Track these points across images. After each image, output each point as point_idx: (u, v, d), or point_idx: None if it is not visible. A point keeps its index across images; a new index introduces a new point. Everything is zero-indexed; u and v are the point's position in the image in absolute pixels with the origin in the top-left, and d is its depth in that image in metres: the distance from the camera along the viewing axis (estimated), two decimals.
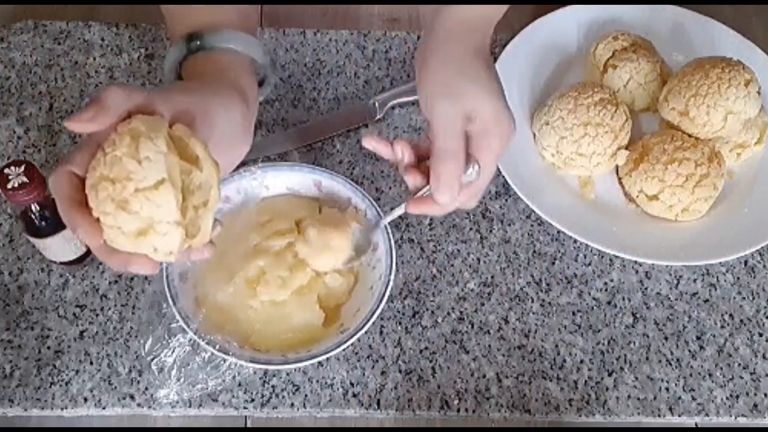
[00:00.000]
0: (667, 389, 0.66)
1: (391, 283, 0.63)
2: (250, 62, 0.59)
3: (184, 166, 0.46)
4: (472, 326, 0.68)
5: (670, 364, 0.67)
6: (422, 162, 0.58)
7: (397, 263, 0.65)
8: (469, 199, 0.58)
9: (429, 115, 0.56)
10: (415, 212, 0.58)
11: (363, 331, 0.61)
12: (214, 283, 0.64)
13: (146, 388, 0.63)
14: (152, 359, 0.63)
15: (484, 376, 0.66)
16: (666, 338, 0.69)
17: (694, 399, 0.66)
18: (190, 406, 0.63)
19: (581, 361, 0.67)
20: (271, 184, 0.69)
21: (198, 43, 0.57)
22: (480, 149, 0.55)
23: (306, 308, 0.63)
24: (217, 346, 0.59)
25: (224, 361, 0.62)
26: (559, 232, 0.72)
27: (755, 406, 0.66)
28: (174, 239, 0.45)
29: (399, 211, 0.61)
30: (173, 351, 0.63)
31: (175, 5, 0.61)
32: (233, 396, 0.63)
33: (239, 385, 0.63)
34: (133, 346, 0.65)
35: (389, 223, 0.64)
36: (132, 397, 0.63)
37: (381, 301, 0.62)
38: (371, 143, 0.57)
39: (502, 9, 0.61)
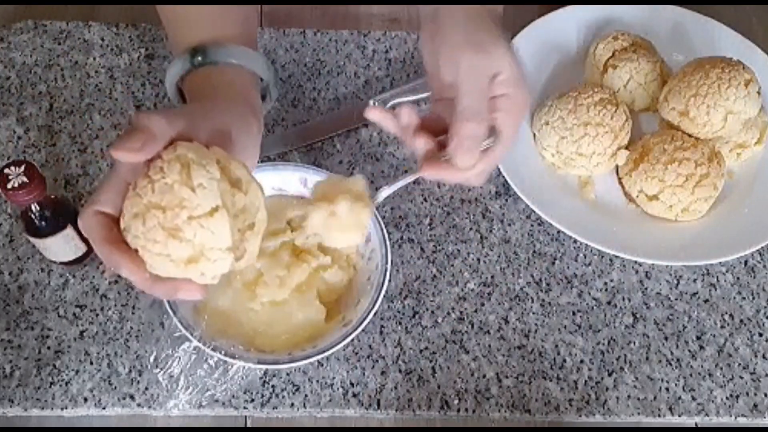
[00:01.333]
0: (667, 389, 0.66)
1: (388, 272, 0.63)
2: (254, 76, 0.59)
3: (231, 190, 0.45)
4: (472, 326, 0.68)
5: (670, 364, 0.67)
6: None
7: (396, 263, 0.65)
8: (483, 169, 0.54)
9: (451, 72, 0.52)
10: (430, 175, 0.54)
11: (366, 321, 0.61)
12: (212, 289, 0.63)
13: (146, 388, 0.63)
14: (159, 371, 0.63)
15: (484, 376, 0.66)
16: (666, 338, 0.69)
17: (694, 399, 0.66)
18: (190, 407, 0.63)
19: (581, 361, 0.67)
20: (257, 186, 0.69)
21: (201, 58, 0.56)
22: (501, 112, 0.52)
23: (307, 305, 0.64)
24: (223, 352, 0.59)
25: (231, 365, 0.62)
26: (559, 232, 0.72)
27: (755, 406, 0.66)
28: (224, 265, 0.45)
29: (407, 180, 0.57)
30: (179, 360, 0.63)
31: (177, 19, 0.60)
32: (233, 396, 0.63)
33: (239, 385, 0.63)
34: (133, 346, 0.65)
35: (384, 217, 0.64)
36: (132, 397, 0.63)
37: (380, 292, 0.62)
38: (375, 114, 0.55)
39: None
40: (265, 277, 0.63)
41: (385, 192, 0.58)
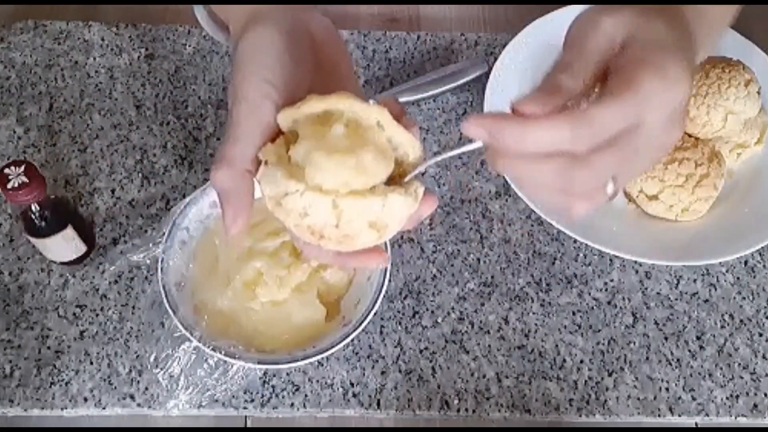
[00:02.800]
0: (667, 389, 0.66)
1: (388, 272, 0.63)
2: None
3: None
4: (472, 326, 0.68)
5: (670, 364, 0.67)
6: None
7: (396, 263, 0.65)
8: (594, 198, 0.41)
9: (571, 32, 0.43)
10: (474, 131, 0.39)
11: (366, 321, 0.61)
12: (212, 289, 0.64)
13: (146, 388, 0.63)
14: (159, 371, 0.63)
15: (484, 376, 0.66)
16: (666, 338, 0.69)
17: (694, 399, 0.66)
18: (190, 407, 0.63)
19: (581, 361, 0.67)
20: (257, 187, 0.69)
21: None
22: (619, 75, 0.39)
23: (307, 305, 0.64)
24: (223, 352, 0.59)
25: (232, 365, 0.62)
26: (559, 232, 0.72)
27: (755, 406, 0.66)
28: (399, 202, 0.41)
29: (468, 145, 0.43)
30: (179, 361, 0.62)
31: None
32: (233, 396, 0.63)
33: (239, 385, 0.63)
34: (133, 346, 0.65)
35: None
36: (132, 397, 0.63)
37: (381, 291, 0.62)
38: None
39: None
40: (265, 277, 0.63)
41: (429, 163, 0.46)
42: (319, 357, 0.60)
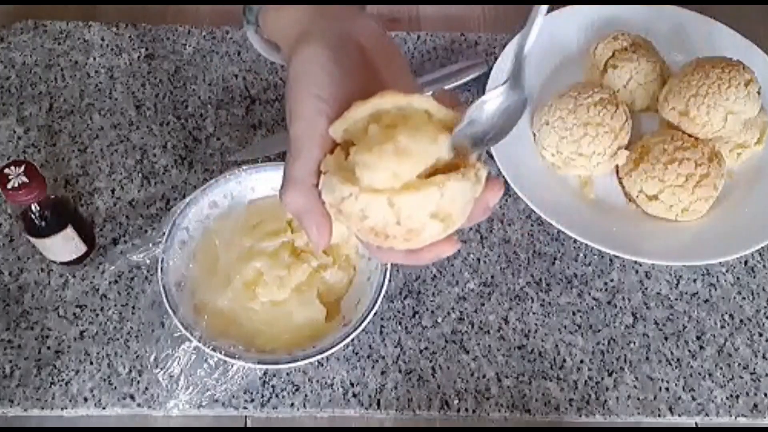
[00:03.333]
0: (667, 389, 0.66)
1: (388, 272, 0.63)
2: None
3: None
4: (472, 326, 0.68)
5: (670, 364, 0.67)
6: None
7: (386, 284, 0.64)
8: None
9: None
10: None
11: (367, 321, 0.61)
12: (213, 289, 0.64)
13: (146, 388, 0.63)
14: (159, 371, 0.63)
15: (484, 376, 0.66)
16: (666, 338, 0.69)
17: (694, 399, 0.66)
18: (190, 407, 0.63)
19: (581, 361, 0.67)
20: (256, 186, 0.69)
21: (249, 13, 0.55)
22: None
23: (307, 305, 0.64)
24: (223, 352, 0.59)
25: (232, 365, 0.62)
26: (559, 232, 0.72)
27: (755, 406, 0.66)
28: (462, 186, 0.41)
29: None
30: (179, 361, 0.62)
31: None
32: (233, 396, 0.63)
33: (239, 385, 0.63)
34: (133, 346, 0.65)
35: None
36: (132, 397, 0.63)
37: (381, 291, 0.62)
38: None
39: None
40: (265, 277, 0.63)
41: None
42: (319, 357, 0.60)
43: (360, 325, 0.61)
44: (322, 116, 0.43)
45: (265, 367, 0.60)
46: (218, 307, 0.63)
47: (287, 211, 0.46)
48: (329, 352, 0.60)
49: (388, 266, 0.63)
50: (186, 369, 0.62)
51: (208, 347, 0.59)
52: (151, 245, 0.67)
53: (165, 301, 0.61)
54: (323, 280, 0.65)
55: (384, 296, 0.62)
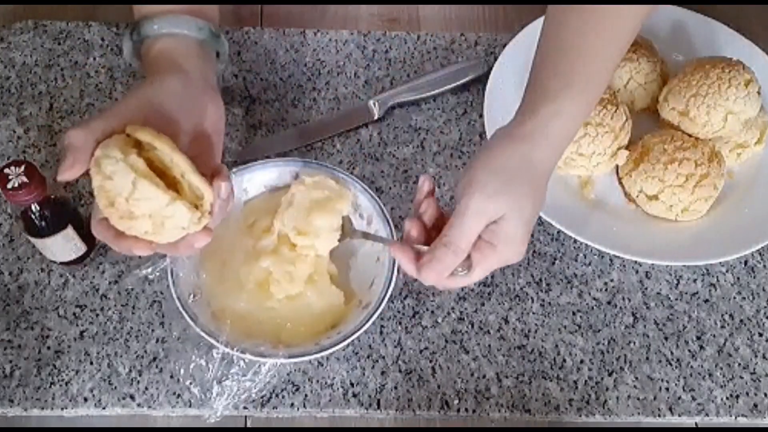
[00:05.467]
0: (667, 389, 0.66)
1: None
2: (188, 39, 0.62)
3: (152, 153, 0.52)
4: (472, 326, 0.68)
5: (670, 364, 0.67)
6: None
7: (397, 263, 0.65)
8: (444, 285, 0.57)
9: (460, 199, 0.54)
10: (396, 255, 0.57)
11: (386, 299, 0.62)
12: (227, 294, 0.64)
13: (146, 388, 0.63)
14: (190, 383, 0.63)
15: (484, 376, 0.66)
16: (666, 338, 0.69)
17: (694, 399, 0.66)
18: (190, 406, 0.63)
19: (581, 361, 0.67)
20: (249, 187, 0.69)
21: (137, 34, 0.62)
22: (480, 255, 0.55)
23: (324, 292, 0.64)
24: (252, 352, 0.60)
25: (262, 365, 0.62)
26: (559, 232, 0.72)
27: (755, 406, 0.66)
28: (182, 212, 0.51)
29: (383, 239, 0.64)
30: (209, 369, 0.62)
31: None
32: (263, 396, 0.63)
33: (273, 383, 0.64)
34: (133, 346, 0.65)
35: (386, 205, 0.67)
36: (132, 397, 0.63)
37: (394, 270, 0.63)
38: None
39: (578, 125, 0.59)
40: (274, 275, 0.63)
41: (358, 234, 0.65)
42: (346, 342, 0.60)
43: (381, 304, 0.62)
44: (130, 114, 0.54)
45: (294, 360, 0.61)
46: (237, 311, 0.63)
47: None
48: (353, 337, 0.61)
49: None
50: (217, 376, 0.62)
51: (237, 350, 0.59)
52: (157, 258, 0.67)
53: (183, 312, 0.61)
54: (331, 265, 0.66)
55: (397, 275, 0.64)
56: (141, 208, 0.50)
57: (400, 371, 0.66)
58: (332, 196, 0.66)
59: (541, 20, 0.83)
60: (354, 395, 0.64)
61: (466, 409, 0.64)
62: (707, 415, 0.65)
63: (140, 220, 0.51)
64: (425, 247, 0.55)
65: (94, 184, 0.51)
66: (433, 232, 0.57)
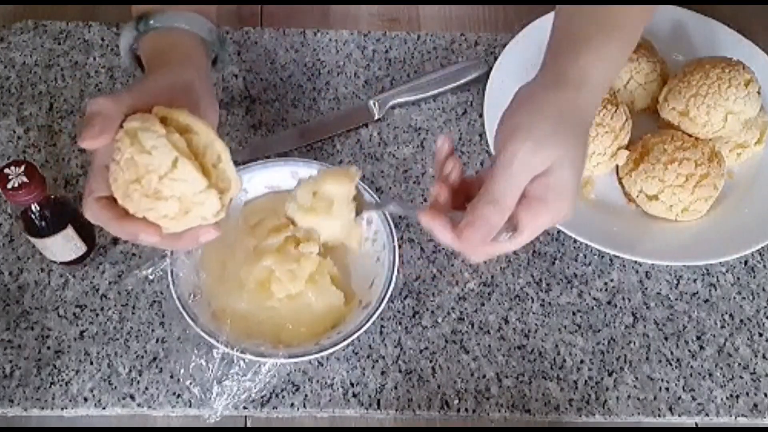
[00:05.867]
0: (667, 389, 0.66)
1: (397, 251, 0.65)
2: (197, 38, 0.61)
3: (185, 136, 0.49)
4: (472, 326, 0.68)
5: (670, 364, 0.67)
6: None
7: (397, 263, 0.65)
8: (485, 252, 0.52)
9: (502, 150, 0.49)
10: (427, 225, 0.51)
11: (386, 299, 0.62)
12: (227, 294, 0.64)
13: (146, 388, 0.63)
14: (190, 383, 0.63)
15: (484, 376, 0.66)
16: (666, 338, 0.69)
17: (694, 399, 0.66)
18: (190, 406, 0.63)
19: (581, 361, 0.67)
20: (249, 187, 0.69)
21: (144, 25, 0.60)
22: (528, 213, 0.50)
23: (324, 292, 0.64)
24: (252, 352, 0.60)
25: (262, 365, 0.62)
26: (559, 232, 0.72)
27: (755, 406, 0.66)
28: (213, 202, 0.49)
29: (409, 211, 0.57)
30: (209, 369, 0.63)
31: None
32: (264, 395, 0.63)
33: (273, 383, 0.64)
34: (133, 346, 0.65)
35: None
36: (132, 397, 0.63)
37: (393, 269, 0.64)
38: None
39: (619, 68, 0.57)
40: (276, 273, 0.63)
41: (387, 207, 0.59)
42: (348, 341, 0.60)
43: (381, 304, 0.62)
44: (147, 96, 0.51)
45: (295, 360, 0.61)
46: (237, 311, 0.63)
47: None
48: (356, 335, 0.61)
49: (395, 244, 0.65)
50: (217, 376, 0.62)
51: (237, 350, 0.59)
52: (157, 259, 0.67)
53: (183, 312, 0.61)
54: (331, 265, 0.66)
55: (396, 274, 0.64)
56: (174, 189, 0.47)
57: (400, 371, 0.66)
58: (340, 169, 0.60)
59: (540, 20, 0.83)
60: (354, 395, 0.64)
61: (466, 409, 0.64)
62: (707, 415, 0.65)
63: (168, 202, 0.47)
64: (459, 212, 0.50)
65: (119, 157, 0.47)
66: (459, 198, 0.52)
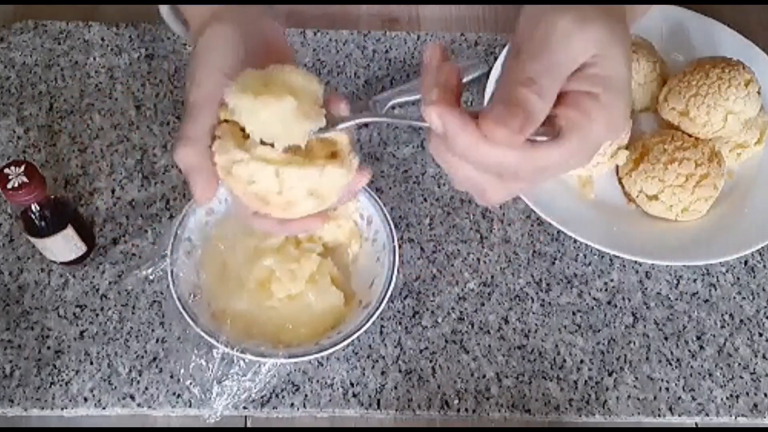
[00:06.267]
0: (667, 389, 0.66)
1: (397, 251, 0.65)
2: None
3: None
4: (472, 326, 0.68)
5: (670, 364, 0.67)
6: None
7: (396, 263, 0.65)
8: (511, 179, 0.40)
9: (537, 24, 0.38)
10: (438, 119, 0.40)
11: (386, 299, 0.62)
12: (227, 294, 0.64)
13: (146, 388, 0.63)
14: (190, 383, 0.63)
15: (484, 376, 0.66)
16: (666, 338, 0.69)
17: (694, 399, 0.66)
18: (190, 406, 0.63)
19: (581, 361, 0.67)
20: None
21: None
22: (574, 111, 0.38)
23: (324, 293, 0.64)
24: (252, 352, 0.60)
25: (262, 365, 0.62)
26: (559, 232, 0.72)
27: (755, 406, 0.66)
28: (336, 174, 0.47)
29: (397, 119, 0.56)
30: (209, 369, 0.62)
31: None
32: (263, 395, 0.63)
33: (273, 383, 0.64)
34: (133, 346, 0.65)
35: (385, 205, 0.65)
36: (132, 397, 0.63)
37: (394, 269, 0.64)
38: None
39: None
40: (277, 273, 0.64)
41: (351, 118, 0.49)
42: (348, 341, 0.60)
43: (381, 304, 0.62)
44: (221, 87, 0.46)
45: (295, 360, 0.61)
46: (237, 311, 0.63)
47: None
48: (356, 335, 0.61)
49: (395, 244, 0.65)
50: (217, 376, 0.62)
51: (237, 350, 0.59)
52: (157, 259, 0.66)
53: (183, 312, 0.61)
54: (332, 265, 0.66)
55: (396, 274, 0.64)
56: (297, 193, 0.46)
57: (400, 371, 0.66)
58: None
59: None
60: (354, 395, 0.64)
61: (466, 409, 0.64)
62: (707, 415, 0.65)
63: (302, 203, 0.47)
64: (479, 107, 0.44)
65: (236, 192, 0.47)
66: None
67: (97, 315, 0.66)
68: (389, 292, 0.63)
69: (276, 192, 0.46)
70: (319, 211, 0.48)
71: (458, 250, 0.72)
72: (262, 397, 0.63)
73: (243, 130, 0.46)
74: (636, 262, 0.72)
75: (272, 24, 0.53)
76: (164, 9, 0.59)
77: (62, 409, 0.62)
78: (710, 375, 0.67)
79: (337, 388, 0.64)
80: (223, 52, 0.48)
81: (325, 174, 0.46)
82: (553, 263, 0.72)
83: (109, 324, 0.66)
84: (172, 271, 0.62)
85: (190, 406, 0.63)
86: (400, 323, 0.68)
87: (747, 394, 0.66)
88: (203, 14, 0.52)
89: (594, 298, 0.70)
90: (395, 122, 0.52)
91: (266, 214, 0.48)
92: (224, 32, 0.49)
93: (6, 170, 0.57)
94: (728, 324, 0.70)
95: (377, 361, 0.66)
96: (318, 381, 0.64)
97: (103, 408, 0.62)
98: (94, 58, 0.81)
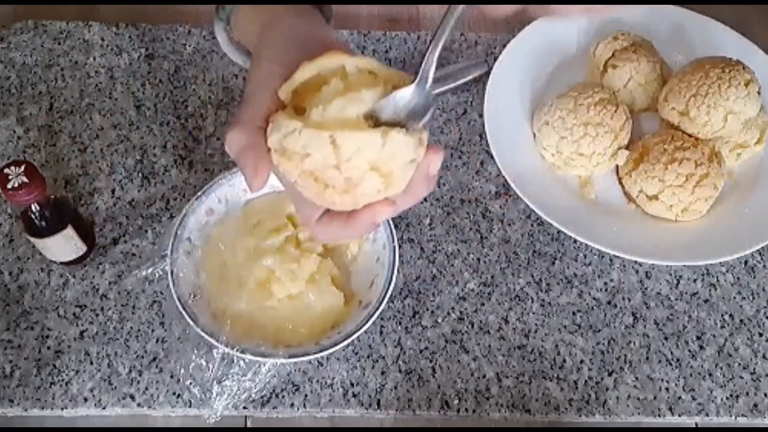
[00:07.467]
0: (667, 389, 0.66)
1: (397, 251, 0.65)
2: None
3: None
4: (472, 326, 0.68)
5: (670, 364, 0.67)
6: None
7: (396, 263, 0.65)
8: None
9: None
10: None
11: (386, 299, 0.62)
12: (227, 295, 0.64)
13: (146, 388, 0.63)
14: (190, 383, 0.63)
15: (484, 376, 0.66)
16: (666, 338, 0.69)
17: (694, 399, 0.66)
18: (190, 406, 0.63)
19: (581, 361, 0.67)
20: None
21: (223, 11, 0.56)
22: None
23: (324, 293, 0.64)
24: (252, 352, 0.60)
25: (262, 365, 0.62)
26: (559, 232, 0.72)
27: (755, 406, 0.66)
28: (401, 141, 0.41)
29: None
30: (209, 369, 0.62)
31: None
32: (263, 395, 0.63)
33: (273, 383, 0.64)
34: (133, 346, 0.65)
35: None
36: (132, 397, 0.63)
37: (393, 269, 0.64)
38: None
39: None
40: (277, 273, 0.64)
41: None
42: (348, 341, 0.60)
43: (381, 304, 0.62)
44: (275, 75, 0.45)
45: (295, 360, 0.61)
46: (237, 311, 0.63)
47: (232, 154, 0.46)
48: (356, 335, 0.61)
49: (395, 244, 0.65)
50: (217, 376, 0.62)
51: (237, 350, 0.59)
52: (157, 259, 0.67)
53: (183, 312, 0.61)
54: (332, 265, 0.66)
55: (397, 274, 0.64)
56: (358, 165, 0.40)
57: (400, 371, 0.66)
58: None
59: (540, 20, 0.83)
60: (354, 395, 0.64)
61: (466, 409, 0.64)
62: (707, 415, 0.65)
63: (365, 181, 0.41)
64: None
65: (291, 178, 0.42)
66: None
67: (97, 315, 0.66)
68: (389, 292, 0.63)
69: (333, 166, 0.40)
70: (386, 196, 0.42)
71: (458, 250, 0.72)
72: (262, 397, 0.63)
73: (297, 111, 0.43)
74: (636, 262, 0.72)
75: (322, 24, 0.53)
76: (221, 36, 0.58)
77: (62, 409, 0.62)
78: (710, 375, 0.67)
79: (337, 388, 0.64)
80: (275, 46, 0.48)
81: (389, 143, 0.40)
82: (553, 263, 0.72)
83: (109, 324, 0.66)
84: (172, 271, 0.62)
85: (190, 406, 0.63)
86: (400, 323, 0.68)
87: (747, 394, 0.66)
88: (257, 31, 0.51)
89: (594, 298, 0.70)
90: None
91: (330, 216, 0.44)
92: (280, 32, 0.49)
93: (6, 170, 0.57)
94: (728, 324, 0.70)
95: (377, 361, 0.66)
96: (318, 381, 0.64)
97: (103, 408, 0.62)
98: (94, 58, 0.81)
